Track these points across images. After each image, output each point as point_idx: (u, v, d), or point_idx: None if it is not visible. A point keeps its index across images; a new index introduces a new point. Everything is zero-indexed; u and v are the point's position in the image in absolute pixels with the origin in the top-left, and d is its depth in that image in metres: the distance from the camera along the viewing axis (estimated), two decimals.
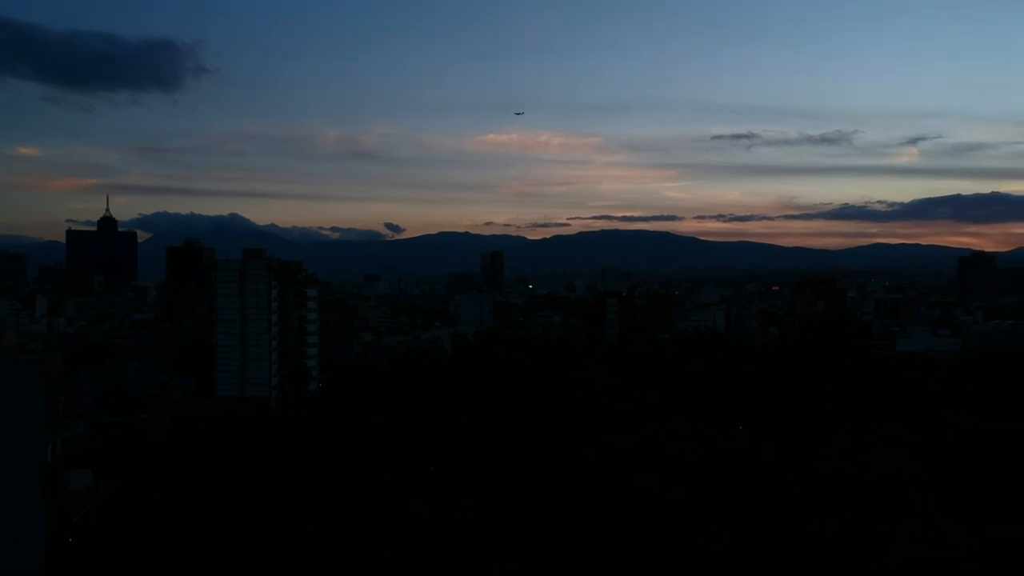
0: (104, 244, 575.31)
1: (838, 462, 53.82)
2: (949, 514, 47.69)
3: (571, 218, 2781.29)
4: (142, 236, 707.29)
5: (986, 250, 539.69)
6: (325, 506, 54.16)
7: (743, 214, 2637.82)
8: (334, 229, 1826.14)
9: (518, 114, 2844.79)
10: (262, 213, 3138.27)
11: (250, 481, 62.21)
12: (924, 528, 42.77)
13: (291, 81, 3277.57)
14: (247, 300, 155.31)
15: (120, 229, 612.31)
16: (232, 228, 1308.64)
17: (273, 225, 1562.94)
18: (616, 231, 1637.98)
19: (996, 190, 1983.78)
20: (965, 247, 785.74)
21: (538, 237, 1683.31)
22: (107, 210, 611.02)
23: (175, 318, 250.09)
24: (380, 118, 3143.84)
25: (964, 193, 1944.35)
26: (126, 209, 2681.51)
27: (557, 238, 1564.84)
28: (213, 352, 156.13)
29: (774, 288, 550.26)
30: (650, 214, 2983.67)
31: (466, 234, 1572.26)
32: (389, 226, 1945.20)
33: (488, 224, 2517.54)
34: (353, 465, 61.62)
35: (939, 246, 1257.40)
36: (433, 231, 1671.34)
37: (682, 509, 48.81)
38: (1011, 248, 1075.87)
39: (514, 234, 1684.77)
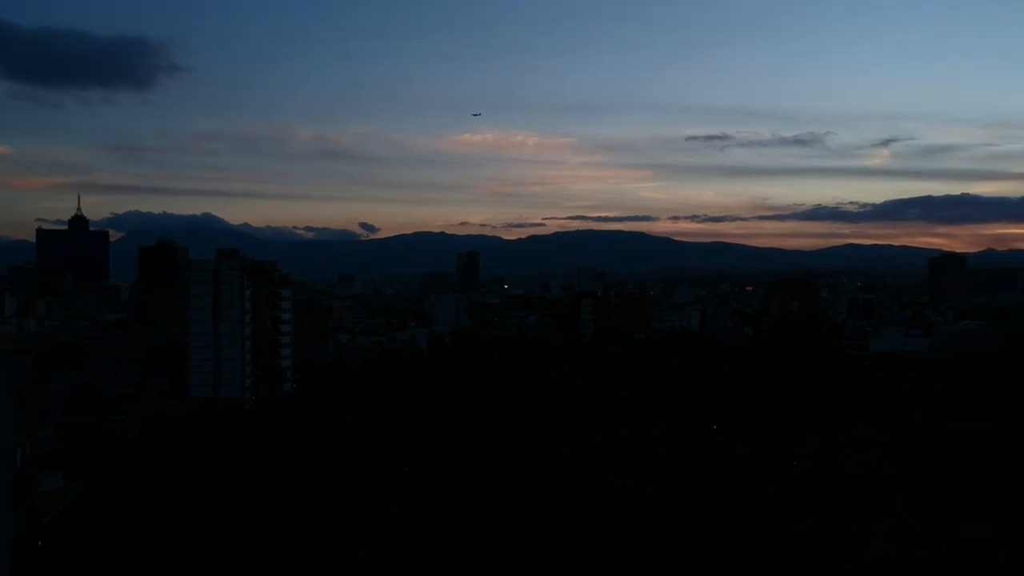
0: (75, 243, 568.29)
1: (811, 462, 54.28)
2: (919, 514, 48.18)
3: (546, 218, 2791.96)
4: (114, 235, 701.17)
5: (956, 251, 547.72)
6: (299, 506, 53.89)
7: (717, 215, 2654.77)
8: (308, 229, 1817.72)
9: (475, 115, 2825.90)
10: (235, 213, 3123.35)
11: (224, 481, 61.79)
12: (895, 528, 43.19)
13: (265, 80, 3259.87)
14: (220, 300, 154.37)
15: (92, 228, 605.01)
16: (205, 228, 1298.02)
17: (247, 225, 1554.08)
18: (591, 231, 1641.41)
19: (966, 191, 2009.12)
20: (936, 248, 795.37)
21: (513, 237, 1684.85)
22: (78, 209, 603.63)
23: (148, 318, 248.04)
24: (355, 117, 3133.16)
25: (935, 194, 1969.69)
26: (98, 208, 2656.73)
27: (532, 238, 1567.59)
28: (186, 353, 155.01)
29: (748, 288, 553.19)
30: (625, 214, 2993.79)
31: (441, 234, 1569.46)
32: (364, 226, 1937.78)
33: (463, 224, 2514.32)
34: (327, 465, 61.34)
35: (910, 247, 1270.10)
36: (408, 231, 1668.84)
37: (655, 509, 48.95)
38: (981, 249, 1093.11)
39: (489, 234, 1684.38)
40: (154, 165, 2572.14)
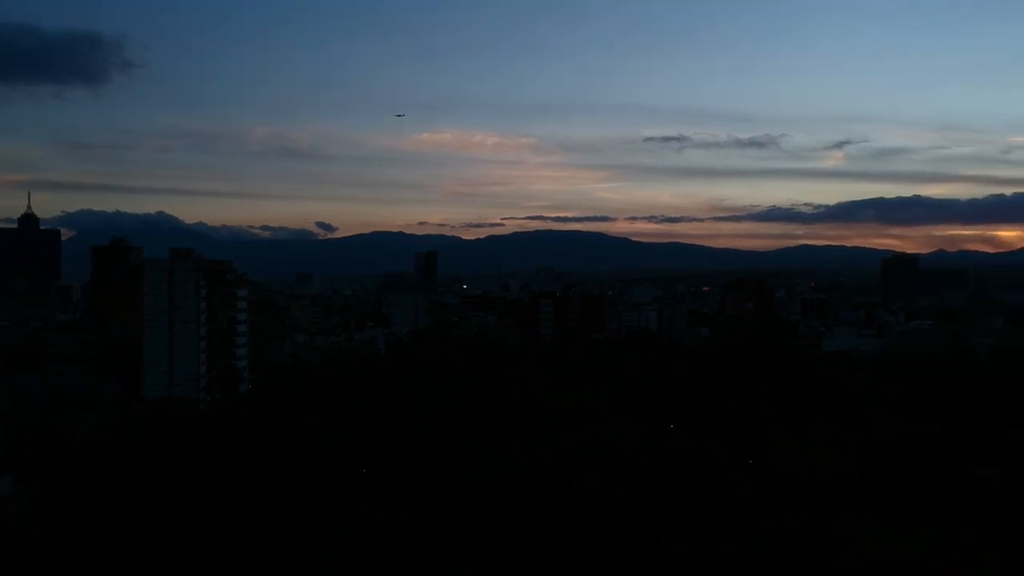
0: (25, 242, 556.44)
1: (773, 462, 55.01)
2: (879, 512, 49.07)
3: (505, 218, 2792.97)
4: (65, 234, 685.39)
5: (908, 252, 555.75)
6: (275, 507, 53.55)
7: (674, 215, 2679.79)
8: (264, 228, 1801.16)
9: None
10: (190, 211, 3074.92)
11: (202, 482, 61.17)
12: (861, 527, 43.93)
13: (220, 77, 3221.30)
14: (175, 301, 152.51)
15: (42, 227, 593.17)
16: (159, 227, 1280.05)
17: (202, 224, 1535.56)
18: (550, 231, 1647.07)
19: (917, 193, 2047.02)
20: (888, 248, 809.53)
21: (472, 237, 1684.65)
22: (28, 207, 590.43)
23: (101, 319, 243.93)
24: (312, 116, 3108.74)
25: (887, 196, 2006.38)
26: (48, 206, 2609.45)
27: (491, 238, 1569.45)
28: (140, 353, 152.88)
29: (705, 288, 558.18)
30: (583, 215, 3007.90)
31: (400, 234, 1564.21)
32: (321, 225, 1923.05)
33: (422, 224, 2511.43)
34: (301, 466, 61.08)
35: (863, 248, 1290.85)
36: (366, 230, 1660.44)
37: (631, 509, 49.35)
38: (932, 250, 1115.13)
39: (448, 234, 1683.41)
40: (107, 163, 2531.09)
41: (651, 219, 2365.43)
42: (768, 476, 55.08)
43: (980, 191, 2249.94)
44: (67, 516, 56.35)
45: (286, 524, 51.56)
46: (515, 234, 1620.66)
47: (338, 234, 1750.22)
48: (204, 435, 71.29)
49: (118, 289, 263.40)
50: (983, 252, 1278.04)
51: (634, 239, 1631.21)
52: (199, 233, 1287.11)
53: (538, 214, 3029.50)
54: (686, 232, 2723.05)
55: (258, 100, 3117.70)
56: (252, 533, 51.51)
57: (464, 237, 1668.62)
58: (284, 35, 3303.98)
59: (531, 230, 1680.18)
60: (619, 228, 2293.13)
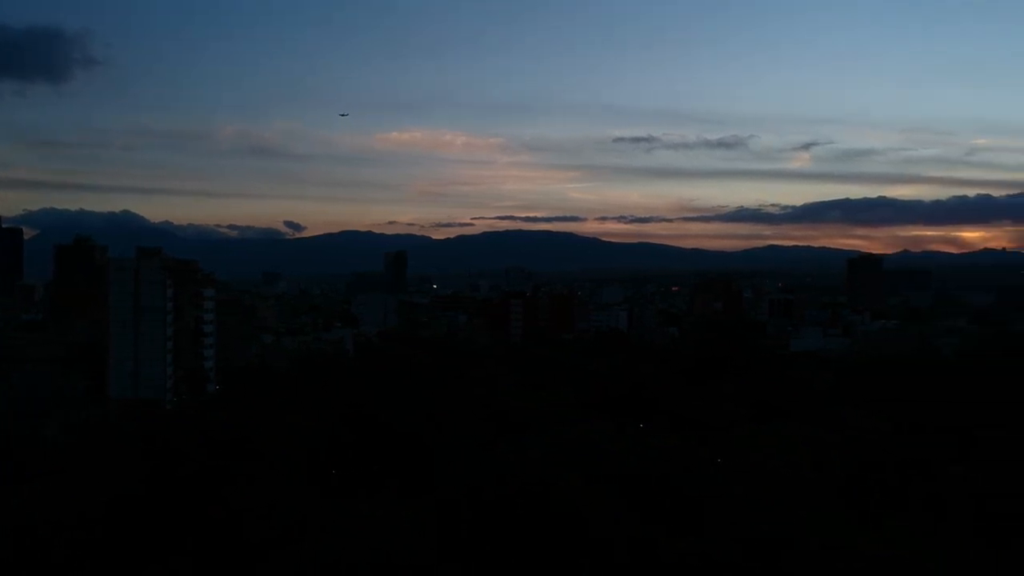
0: None
1: (741, 459, 55.32)
2: (843, 508, 49.53)
3: (475, 218, 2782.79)
4: (28, 233, 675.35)
5: (874, 252, 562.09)
6: (273, 508, 53.23)
7: (644, 215, 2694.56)
8: (232, 227, 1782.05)
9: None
10: (156, 210, 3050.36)
11: (198, 483, 60.61)
12: (823, 524, 44.31)
13: (186, 74, 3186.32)
14: (141, 300, 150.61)
15: (4, 226, 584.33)
16: (125, 225, 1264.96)
17: (168, 223, 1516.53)
18: (520, 231, 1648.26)
19: (883, 194, 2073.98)
20: (854, 249, 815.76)
21: (442, 237, 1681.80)
22: None
23: (65, 319, 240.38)
24: (281, 114, 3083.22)
25: (853, 197, 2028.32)
26: (10, 205, 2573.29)
27: (461, 238, 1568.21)
28: (106, 354, 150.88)
29: (674, 288, 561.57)
30: (553, 215, 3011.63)
31: (369, 233, 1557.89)
32: (289, 224, 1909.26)
33: (391, 223, 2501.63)
34: (294, 468, 60.76)
35: (830, 248, 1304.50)
36: (335, 230, 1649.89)
37: (601, 508, 49.49)
38: (897, 250, 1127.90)
39: (418, 233, 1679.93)
40: (70, 161, 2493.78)
41: (621, 219, 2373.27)
42: (737, 475, 55.36)
43: (944, 192, 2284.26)
44: (67, 516, 55.59)
45: (285, 524, 51.35)
46: (485, 234, 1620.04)
47: (306, 233, 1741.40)
48: (195, 436, 70.78)
49: (82, 289, 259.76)
50: (947, 253, 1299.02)
51: (604, 239, 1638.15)
52: (165, 232, 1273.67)
53: (508, 214, 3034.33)
54: (655, 232, 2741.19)
55: (226, 98, 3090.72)
56: (251, 533, 51.24)
57: (434, 237, 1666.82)
58: (253, 32, 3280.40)
59: (501, 230, 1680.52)
60: (589, 228, 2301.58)
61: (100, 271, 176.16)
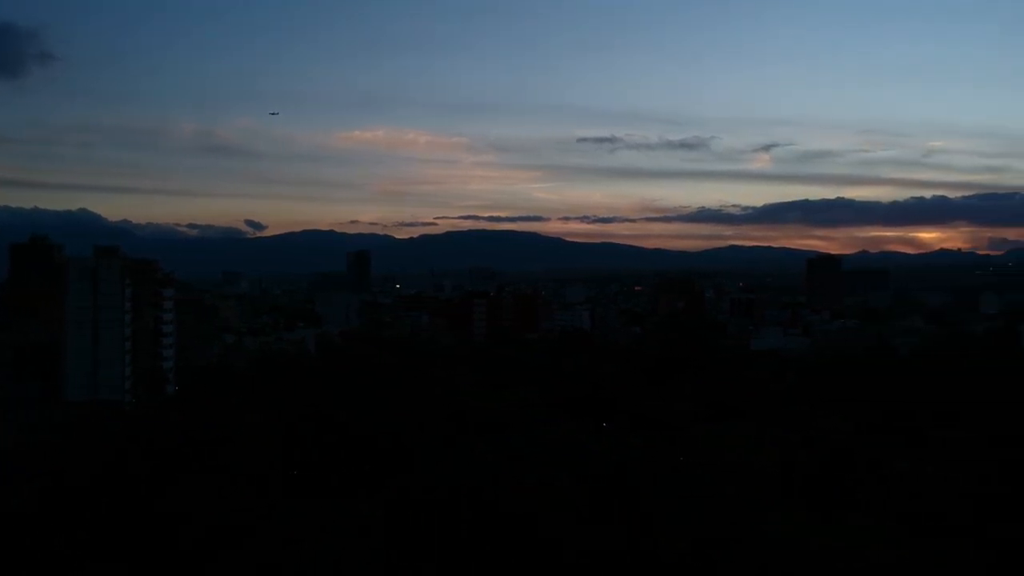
0: None
1: (700, 457, 55.84)
2: (802, 505, 50.20)
3: (438, 217, 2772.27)
4: None
5: (832, 253, 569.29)
6: (198, 516, 52.51)
7: (606, 215, 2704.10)
8: (191, 226, 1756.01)
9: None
10: (114, 208, 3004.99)
11: (132, 488, 59.74)
12: (781, 520, 44.88)
13: (145, 71, 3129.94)
14: (99, 300, 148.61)
15: None
16: (81, 224, 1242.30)
17: (126, 221, 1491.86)
18: (483, 231, 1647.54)
19: (841, 195, 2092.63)
20: (813, 250, 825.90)
21: (405, 236, 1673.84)
22: None
23: (19, 319, 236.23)
24: (240, 111, 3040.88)
25: (812, 198, 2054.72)
26: None
27: (425, 237, 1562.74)
28: (62, 355, 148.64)
29: (637, 288, 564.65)
30: (517, 214, 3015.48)
31: (331, 232, 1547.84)
32: (250, 223, 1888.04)
33: (354, 222, 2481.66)
34: (224, 473, 59.98)
35: (789, 248, 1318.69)
36: (296, 229, 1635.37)
37: (558, 508, 49.64)
38: (855, 251, 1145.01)
39: (380, 233, 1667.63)
40: (24, 158, 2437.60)
41: (584, 219, 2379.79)
42: (696, 473, 55.90)
43: (901, 194, 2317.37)
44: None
45: (234, 526, 50.80)
46: (448, 233, 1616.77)
47: (267, 232, 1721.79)
48: (145, 437, 69.92)
49: (38, 288, 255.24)
50: (904, 253, 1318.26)
51: (567, 239, 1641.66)
52: (123, 231, 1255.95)
53: (471, 214, 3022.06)
54: (618, 232, 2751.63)
55: (185, 95, 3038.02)
56: (198, 535, 50.66)
57: (397, 236, 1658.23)
58: (212, 28, 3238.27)
59: (464, 230, 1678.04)
60: (552, 228, 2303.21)
61: (56, 270, 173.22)
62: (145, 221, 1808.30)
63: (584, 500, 53.18)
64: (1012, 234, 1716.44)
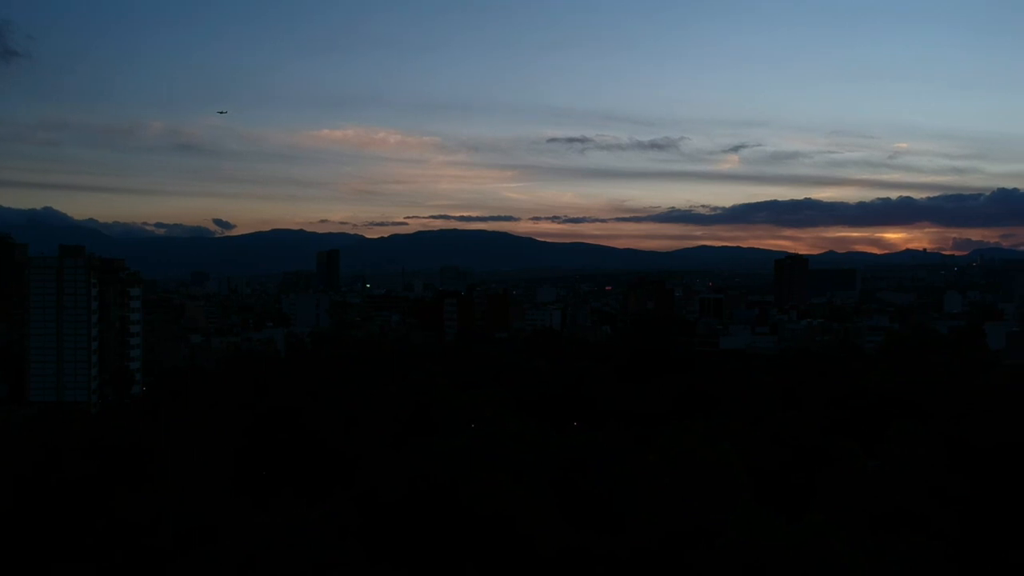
0: None
1: (668, 455, 56.13)
2: (768, 502, 50.62)
3: (409, 217, 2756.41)
4: None
5: (800, 253, 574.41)
6: (160, 518, 51.89)
7: (577, 216, 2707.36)
8: (159, 225, 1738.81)
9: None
10: (80, 207, 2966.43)
11: (78, 493, 58.81)
12: (746, 517, 45.22)
13: (110, 67, 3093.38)
14: (64, 300, 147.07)
15: None
16: (47, 223, 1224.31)
17: (92, 220, 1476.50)
18: (455, 231, 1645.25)
19: (808, 196, 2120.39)
20: (781, 250, 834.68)
21: (376, 236, 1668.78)
22: None
23: None
24: (209, 109, 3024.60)
25: (780, 199, 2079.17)
26: None
27: (395, 237, 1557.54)
28: (26, 356, 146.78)
29: (607, 288, 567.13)
30: (488, 214, 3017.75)
31: (300, 232, 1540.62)
32: (218, 222, 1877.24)
33: (324, 222, 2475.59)
34: (184, 475, 59.26)
35: (758, 248, 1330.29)
36: (265, 228, 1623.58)
37: (524, 506, 49.63)
38: (822, 251, 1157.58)
39: (351, 232, 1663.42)
40: None
41: (555, 219, 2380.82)
42: (664, 470, 56.21)
43: (868, 195, 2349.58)
44: None
45: (189, 529, 50.26)
46: (419, 233, 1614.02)
47: (236, 232, 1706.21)
48: (81, 442, 68.82)
49: (2, 288, 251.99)
50: (870, 253, 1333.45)
51: (538, 239, 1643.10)
52: (89, 230, 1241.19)
53: (442, 213, 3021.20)
54: (589, 232, 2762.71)
55: (153, 93, 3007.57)
56: (138, 545, 50.01)
57: (367, 236, 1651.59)
58: (181, 26, 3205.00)
59: (435, 229, 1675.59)
60: (523, 228, 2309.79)
61: (20, 270, 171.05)
62: (112, 220, 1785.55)
63: (553, 498, 53.29)
64: (976, 235, 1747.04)
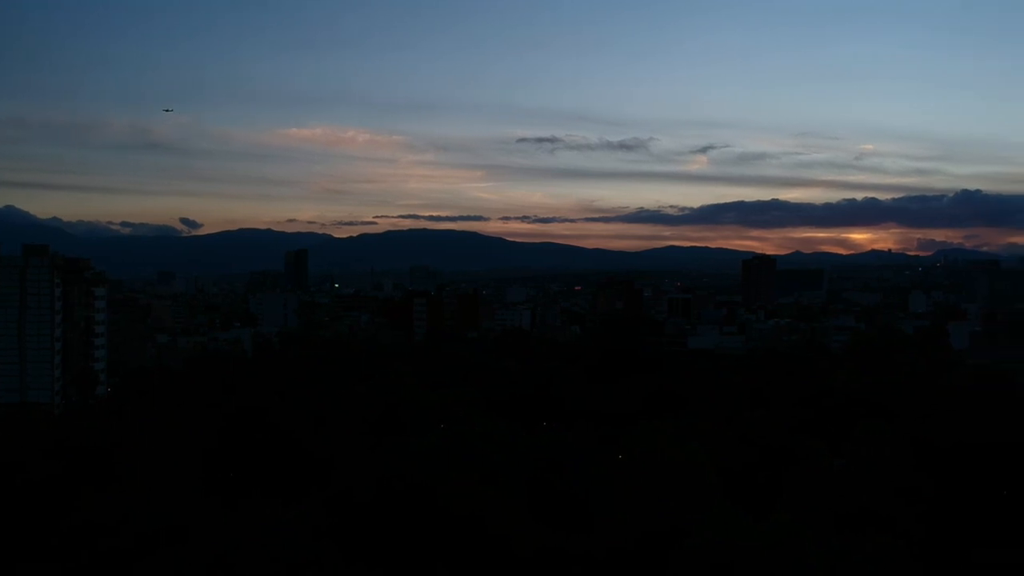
0: None
1: (637, 455, 56.36)
2: (736, 501, 50.96)
3: (378, 216, 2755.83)
4: None
5: (767, 253, 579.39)
6: (127, 519, 51.26)
7: (547, 216, 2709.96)
8: (124, 224, 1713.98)
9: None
10: (43, 206, 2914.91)
11: (41, 495, 58.01)
12: (720, 516, 45.51)
13: (73, 63, 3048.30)
14: (27, 300, 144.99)
15: None
16: (9, 221, 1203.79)
17: (56, 219, 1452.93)
18: (424, 230, 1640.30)
19: (776, 197, 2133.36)
20: (749, 250, 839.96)
21: (344, 235, 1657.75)
22: None
23: None
24: (176, 107, 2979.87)
25: (748, 200, 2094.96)
26: None
27: (364, 236, 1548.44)
28: None
29: (577, 288, 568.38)
30: (457, 214, 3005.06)
31: (268, 231, 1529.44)
32: (185, 221, 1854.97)
33: (292, 221, 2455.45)
34: (152, 475, 58.65)
35: (726, 249, 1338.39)
36: (232, 227, 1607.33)
37: (500, 506, 49.64)
38: (789, 251, 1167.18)
39: (319, 232, 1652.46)
40: None
41: (524, 219, 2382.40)
42: (634, 469, 56.45)
43: (834, 196, 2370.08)
44: None
45: (143, 534, 49.66)
46: (388, 233, 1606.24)
47: (203, 231, 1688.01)
48: (50, 442, 67.96)
49: None
50: (836, 254, 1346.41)
51: (508, 239, 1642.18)
52: (53, 229, 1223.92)
53: (412, 213, 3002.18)
54: (559, 232, 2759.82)
55: (115, 89, 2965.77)
56: (116, 540, 49.47)
57: (336, 235, 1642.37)
58: (147, 23, 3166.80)
59: (404, 229, 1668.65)
60: (493, 228, 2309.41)
61: None
62: (76, 219, 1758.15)
63: (527, 499, 53.34)
64: (940, 235, 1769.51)
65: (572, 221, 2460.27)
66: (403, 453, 58.34)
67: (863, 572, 43.15)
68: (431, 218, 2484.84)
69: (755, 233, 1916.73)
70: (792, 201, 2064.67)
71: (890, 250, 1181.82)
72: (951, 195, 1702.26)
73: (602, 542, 48.26)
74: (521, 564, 47.54)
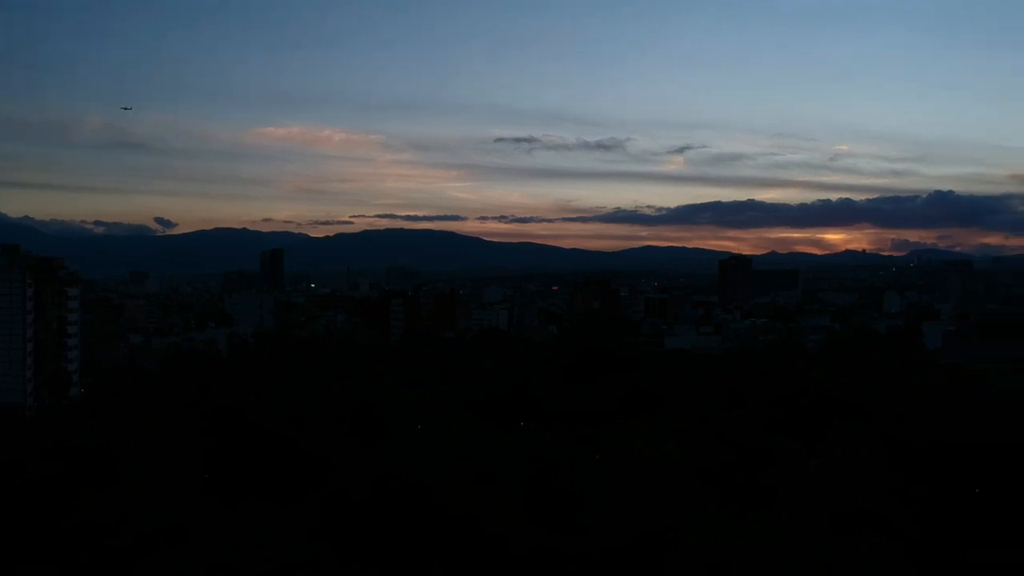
0: None
1: (613, 454, 56.43)
2: (714, 501, 51.13)
3: (354, 216, 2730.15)
4: None
5: (743, 253, 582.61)
6: (126, 519, 50.89)
7: (524, 215, 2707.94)
8: (98, 223, 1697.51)
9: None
10: (15, 205, 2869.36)
11: (39, 496, 57.45)
12: (709, 516, 45.59)
13: (47, 60, 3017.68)
14: None
15: None
16: None
17: (28, 218, 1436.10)
18: (401, 230, 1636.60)
19: (752, 198, 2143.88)
20: (725, 250, 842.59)
21: (321, 235, 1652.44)
22: None
23: None
24: (149, 105, 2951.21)
25: (724, 200, 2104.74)
26: None
27: (340, 236, 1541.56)
28: None
29: (554, 288, 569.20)
30: (434, 214, 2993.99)
31: (244, 230, 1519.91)
32: (159, 220, 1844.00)
33: (267, 220, 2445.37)
34: (154, 476, 58.29)
35: (702, 249, 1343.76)
36: (208, 227, 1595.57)
37: (492, 506, 49.58)
38: (765, 251, 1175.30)
39: (295, 231, 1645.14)
40: None
41: (502, 219, 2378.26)
42: (612, 468, 56.54)
43: (809, 196, 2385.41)
44: None
45: (143, 535, 49.39)
46: (365, 232, 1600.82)
47: (178, 230, 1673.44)
48: (45, 443, 67.46)
49: None
50: (812, 254, 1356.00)
51: (485, 239, 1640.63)
52: (25, 228, 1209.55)
53: (388, 212, 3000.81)
54: (536, 232, 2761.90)
55: (89, 87, 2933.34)
56: (103, 546, 49.08)
57: (312, 235, 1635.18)
58: (122, 20, 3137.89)
59: (381, 228, 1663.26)
60: (470, 227, 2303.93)
61: None
62: (49, 218, 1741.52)
63: (520, 498, 53.30)
64: (913, 236, 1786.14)
65: (549, 221, 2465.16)
66: (398, 453, 58.18)
67: (858, 573, 43.26)
68: (408, 218, 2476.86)
69: (731, 233, 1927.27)
70: (768, 202, 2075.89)
71: (864, 250, 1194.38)
72: (924, 196, 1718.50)
73: (598, 542, 48.33)
74: (517, 564, 47.49)
